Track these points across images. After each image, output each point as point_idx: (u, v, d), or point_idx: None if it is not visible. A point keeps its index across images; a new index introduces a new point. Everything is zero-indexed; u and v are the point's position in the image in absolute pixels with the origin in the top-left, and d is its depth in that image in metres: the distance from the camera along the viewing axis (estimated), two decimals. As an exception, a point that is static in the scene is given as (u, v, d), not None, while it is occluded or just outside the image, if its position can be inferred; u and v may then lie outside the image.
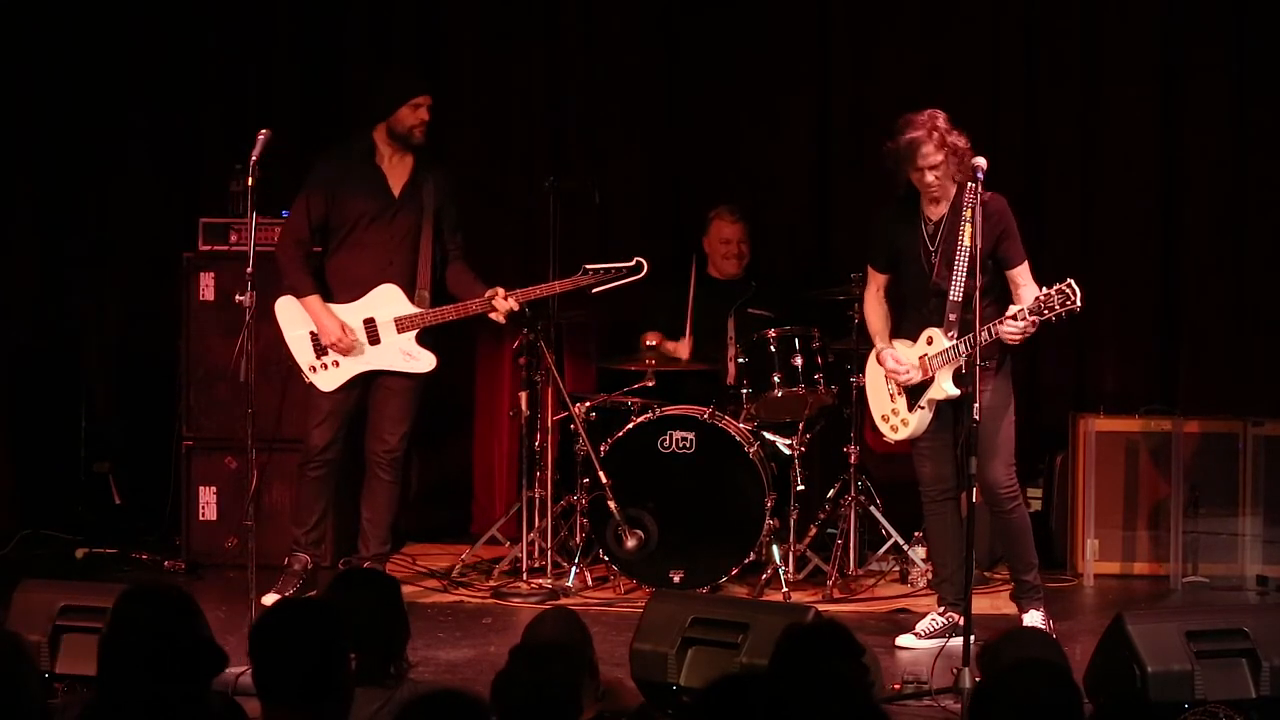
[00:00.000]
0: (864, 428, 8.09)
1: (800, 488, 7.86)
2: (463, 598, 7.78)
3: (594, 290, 7.54)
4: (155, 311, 8.78)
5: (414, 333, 7.40)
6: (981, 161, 6.37)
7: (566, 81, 9.08)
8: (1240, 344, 8.57)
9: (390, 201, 7.41)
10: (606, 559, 7.78)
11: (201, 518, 8.32)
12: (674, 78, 9.00)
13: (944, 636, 6.76)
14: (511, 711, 3.68)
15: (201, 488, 8.33)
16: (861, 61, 8.87)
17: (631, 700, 4.83)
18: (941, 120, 6.62)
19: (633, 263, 7.48)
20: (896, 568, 8.04)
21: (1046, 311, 6.47)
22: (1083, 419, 8.23)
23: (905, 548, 7.96)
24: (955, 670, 6.01)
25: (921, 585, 7.86)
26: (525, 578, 7.88)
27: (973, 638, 6.01)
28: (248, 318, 6.67)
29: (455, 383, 9.12)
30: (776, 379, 7.83)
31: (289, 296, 7.41)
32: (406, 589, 7.74)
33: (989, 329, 6.49)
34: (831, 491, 8.01)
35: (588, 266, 7.49)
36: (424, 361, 7.43)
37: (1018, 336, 6.54)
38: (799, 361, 7.83)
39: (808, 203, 8.98)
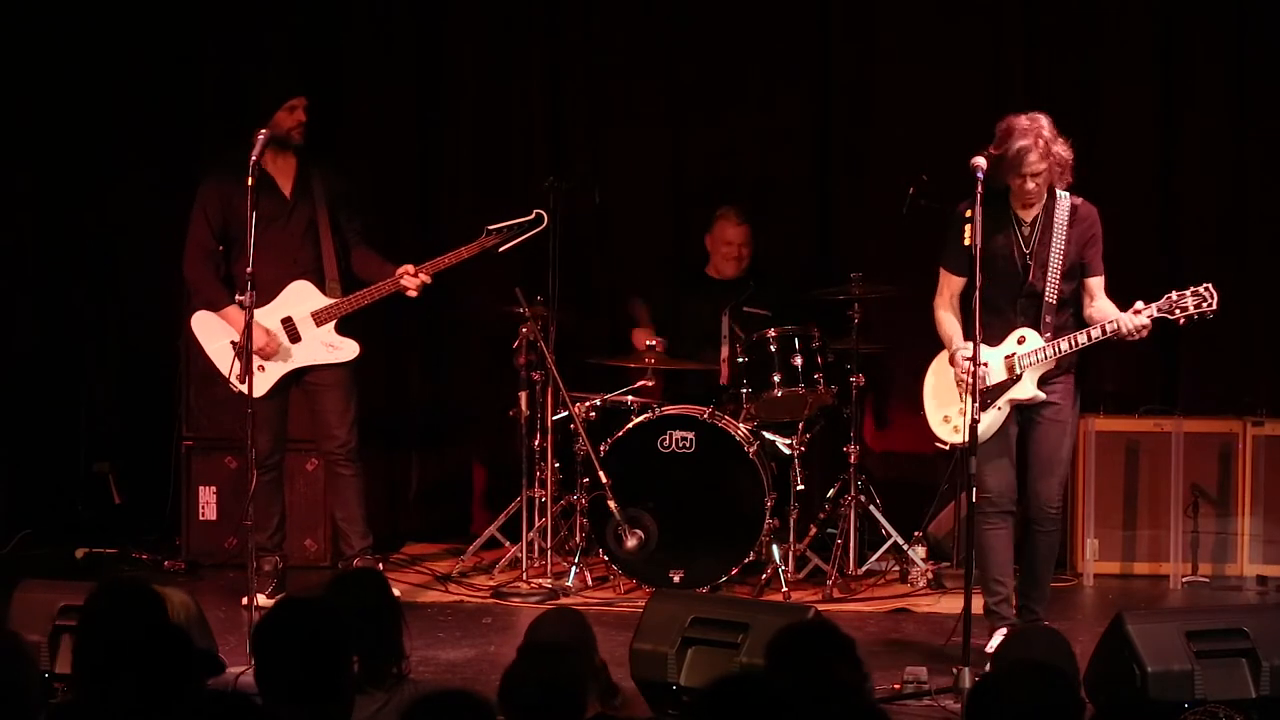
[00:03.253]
0: (864, 428, 8.10)
1: (800, 487, 7.87)
2: (463, 598, 7.79)
3: (500, 249, 7.54)
4: (155, 311, 8.78)
5: (333, 323, 7.43)
6: (981, 161, 6.36)
7: (566, 81, 9.08)
8: (1240, 344, 8.57)
9: (284, 202, 7.46)
10: (606, 559, 7.79)
11: (201, 518, 8.33)
12: (674, 77, 8.99)
13: None
14: (518, 709, 3.68)
15: (201, 488, 8.33)
16: (862, 63, 8.86)
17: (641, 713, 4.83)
18: (1046, 128, 6.49)
19: (532, 215, 7.52)
20: (896, 567, 8.04)
21: (1178, 311, 6.45)
22: (1083, 419, 8.21)
23: (905, 548, 7.96)
24: (955, 670, 6.02)
25: (921, 585, 7.87)
26: (525, 577, 7.89)
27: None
28: (247, 317, 6.70)
29: (455, 383, 9.12)
30: (776, 379, 7.82)
31: (203, 311, 7.44)
32: (406, 589, 7.77)
33: (1103, 326, 6.47)
34: (831, 491, 8.01)
35: (489, 228, 7.52)
36: (347, 350, 7.47)
37: (1132, 330, 6.45)
38: (799, 361, 7.82)
39: (808, 203, 8.97)
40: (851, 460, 7.86)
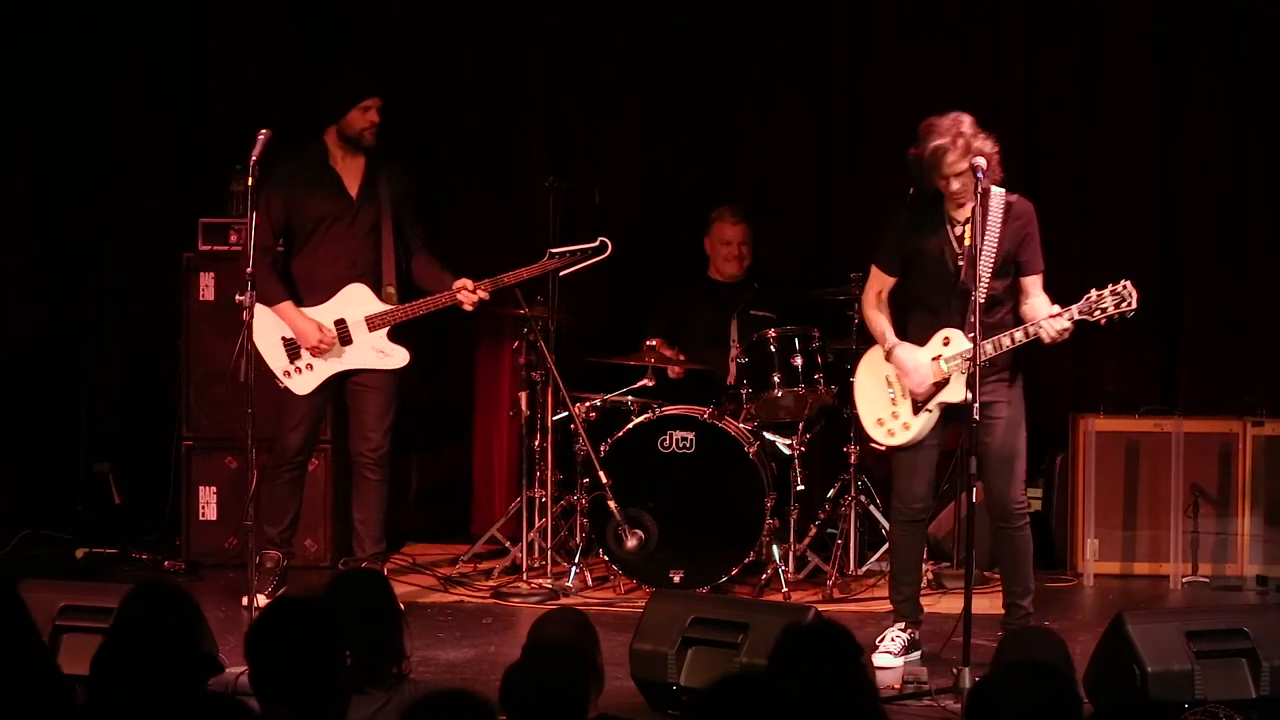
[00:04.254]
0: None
1: (800, 488, 7.87)
2: (463, 598, 7.79)
3: (561, 273, 7.55)
4: (155, 311, 8.78)
5: (385, 330, 7.42)
6: (981, 161, 6.35)
7: (566, 81, 9.08)
8: (1240, 344, 8.57)
9: (349, 203, 7.44)
10: (606, 559, 7.78)
11: (201, 518, 8.33)
12: (674, 77, 9.00)
13: (914, 650, 6.73)
14: (519, 709, 3.68)
15: (201, 488, 8.33)
16: (861, 63, 8.87)
17: None
18: (966, 125, 6.44)
19: (596, 243, 7.51)
20: (896, 568, 8.03)
21: (1098, 312, 6.39)
22: (1083, 419, 8.23)
23: (905, 548, 7.95)
24: (955, 670, 6.02)
25: (922, 585, 7.85)
26: (525, 578, 7.89)
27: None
28: (247, 317, 6.69)
29: (455, 383, 9.12)
30: (776, 379, 7.82)
31: (258, 305, 7.42)
32: (406, 589, 7.77)
33: (1025, 330, 6.44)
34: (831, 491, 8.01)
35: (553, 250, 7.51)
36: (397, 357, 7.46)
37: (1054, 336, 6.40)
38: (799, 361, 7.82)
39: (808, 203, 8.98)
40: (851, 460, 7.86)
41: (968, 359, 6.43)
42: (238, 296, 6.83)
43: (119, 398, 9.15)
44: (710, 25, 8.94)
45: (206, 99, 9.06)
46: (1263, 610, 7.17)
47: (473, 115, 9.05)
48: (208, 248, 8.26)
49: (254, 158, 6.75)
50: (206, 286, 8.26)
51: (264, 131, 6.85)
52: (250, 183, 6.73)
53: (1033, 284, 6.58)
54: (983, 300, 6.34)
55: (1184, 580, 8.09)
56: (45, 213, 9.07)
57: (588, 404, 7.97)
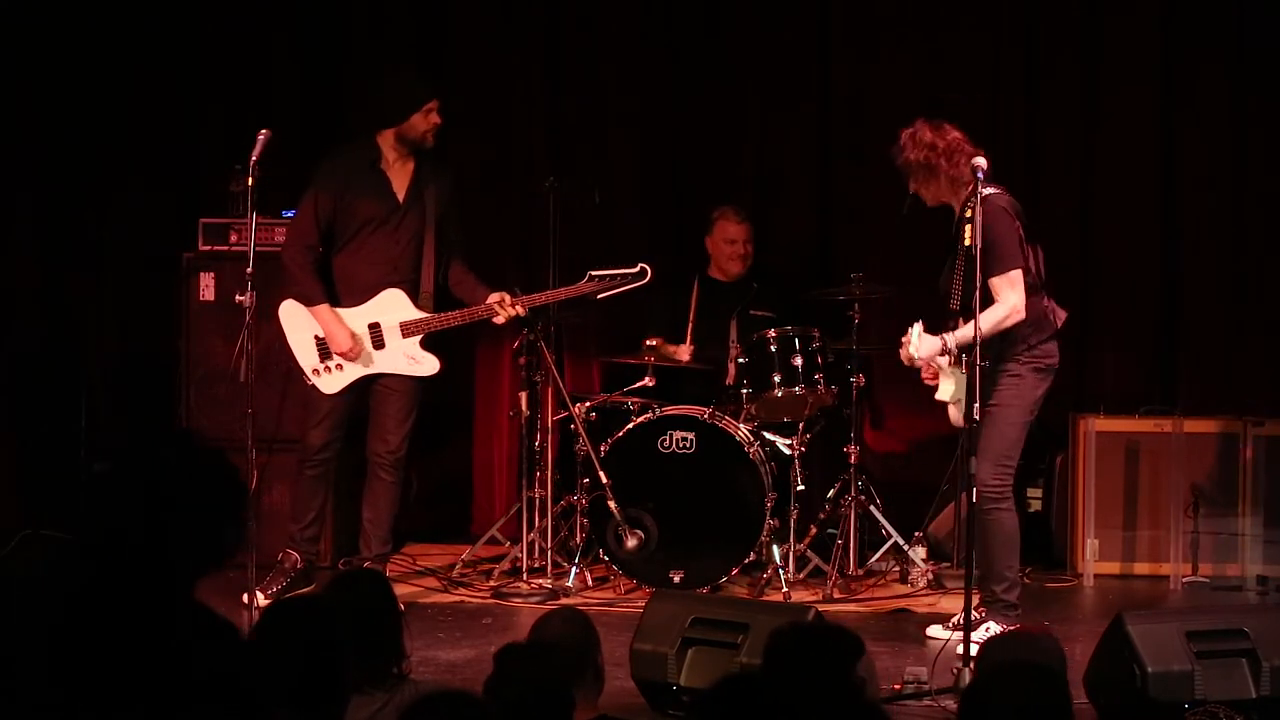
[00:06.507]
0: (864, 428, 8.09)
1: (800, 488, 7.86)
2: (463, 598, 7.79)
3: (599, 295, 7.56)
4: (155, 311, 8.77)
5: (419, 337, 7.42)
6: (981, 161, 6.36)
7: (566, 81, 9.08)
8: (1240, 344, 8.57)
9: (395, 207, 7.43)
10: (606, 559, 7.79)
11: (201, 518, 8.30)
12: (675, 78, 9.00)
13: None
14: (501, 709, 3.68)
15: (202, 488, 8.30)
16: (862, 64, 8.87)
17: None
18: (905, 135, 6.69)
19: (637, 269, 7.50)
20: (896, 568, 8.04)
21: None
22: (1083, 419, 8.23)
23: (905, 548, 7.96)
24: (955, 670, 6.02)
25: (922, 585, 7.86)
26: (525, 578, 7.89)
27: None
28: (247, 318, 6.70)
29: (455, 383, 9.11)
30: (776, 379, 7.82)
31: (293, 301, 7.43)
32: (406, 589, 7.77)
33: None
34: (831, 491, 8.01)
35: (593, 273, 7.50)
36: (428, 365, 7.46)
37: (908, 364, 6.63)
38: (799, 362, 7.82)
39: (808, 204, 8.98)
40: (851, 460, 7.86)
41: (943, 362, 6.67)
42: (238, 296, 6.83)
43: (119, 398, 9.14)
44: (710, 25, 8.95)
45: (206, 99, 9.06)
46: (1263, 610, 7.16)
47: (473, 114, 9.05)
48: (208, 248, 8.26)
49: (254, 158, 6.75)
50: (206, 286, 8.25)
51: (264, 131, 6.85)
52: (250, 183, 6.72)
53: (992, 287, 6.58)
54: (956, 305, 6.54)
55: (1184, 580, 8.09)
56: (45, 213, 9.06)
57: (588, 404, 7.97)
